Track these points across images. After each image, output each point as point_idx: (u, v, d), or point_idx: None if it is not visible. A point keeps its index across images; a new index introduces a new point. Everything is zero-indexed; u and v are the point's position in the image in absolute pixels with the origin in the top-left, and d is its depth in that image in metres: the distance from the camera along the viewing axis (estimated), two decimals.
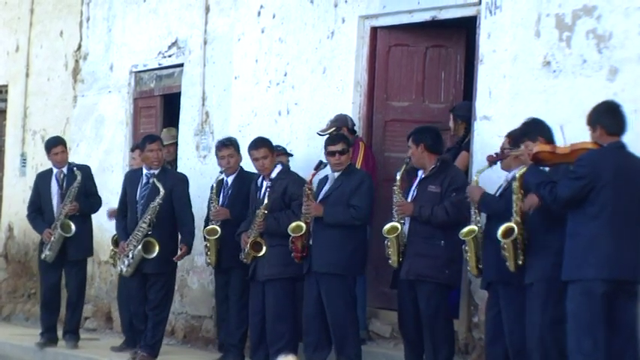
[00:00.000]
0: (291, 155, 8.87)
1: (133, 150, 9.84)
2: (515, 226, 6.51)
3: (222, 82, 10.15)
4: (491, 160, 6.93)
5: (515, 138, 6.78)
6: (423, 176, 7.53)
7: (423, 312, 7.34)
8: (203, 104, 10.30)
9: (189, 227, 8.77)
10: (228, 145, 8.63)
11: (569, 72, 7.35)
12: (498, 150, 7.06)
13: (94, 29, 11.83)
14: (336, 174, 7.92)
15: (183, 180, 8.98)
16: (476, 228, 6.95)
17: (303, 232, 7.77)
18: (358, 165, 8.31)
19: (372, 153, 8.72)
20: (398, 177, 7.51)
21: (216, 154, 8.74)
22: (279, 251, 8.01)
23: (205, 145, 10.19)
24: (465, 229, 6.97)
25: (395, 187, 7.49)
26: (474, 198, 6.91)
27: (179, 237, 8.81)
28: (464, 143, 8.23)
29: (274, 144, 8.56)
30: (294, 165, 8.86)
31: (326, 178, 7.99)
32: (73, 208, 9.49)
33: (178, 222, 8.73)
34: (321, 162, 8.00)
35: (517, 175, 6.57)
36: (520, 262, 6.58)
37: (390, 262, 7.47)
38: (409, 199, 7.49)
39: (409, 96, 8.87)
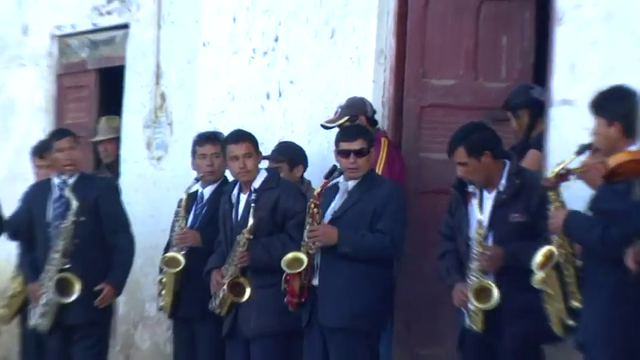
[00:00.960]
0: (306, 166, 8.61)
1: (38, 154, 9.20)
2: (554, 249, 6.36)
3: (186, 52, 9.96)
4: (549, 186, 6.62)
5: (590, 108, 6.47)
6: (495, 201, 7.12)
7: None
8: (157, 83, 10.15)
9: (124, 256, 8.47)
10: (214, 140, 8.30)
11: None
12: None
13: None
14: (351, 183, 7.52)
15: (112, 187, 8.82)
16: (555, 251, 6.43)
17: (304, 267, 7.42)
18: (379, 170, 7.98)
19: (401, 154, 8.37)
20: (479, 216, 7.01)
21: (194, 152, 8.43)
22: (271, 294, 7.64)
23: (160, 142, 10.08)
24: (539, 256, 6.39)
25: (478, 236, 7.01)
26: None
27: None
28: (531, 139, 7.84)
29: (278, 144, 8.50)
30: None
31: (335, 188, 7.61)
32: None
33: (110, 247, 8.47)
34: (335, 167, 7.60)
35: (550, 177, 6.49)
36: (576, 304, 6.34)
37: (473, 328, 7.06)
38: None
39: (456, 71, 8.46)
